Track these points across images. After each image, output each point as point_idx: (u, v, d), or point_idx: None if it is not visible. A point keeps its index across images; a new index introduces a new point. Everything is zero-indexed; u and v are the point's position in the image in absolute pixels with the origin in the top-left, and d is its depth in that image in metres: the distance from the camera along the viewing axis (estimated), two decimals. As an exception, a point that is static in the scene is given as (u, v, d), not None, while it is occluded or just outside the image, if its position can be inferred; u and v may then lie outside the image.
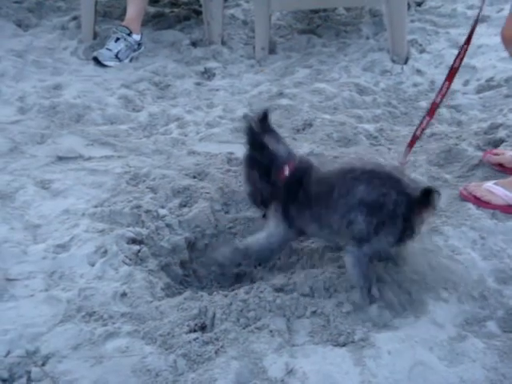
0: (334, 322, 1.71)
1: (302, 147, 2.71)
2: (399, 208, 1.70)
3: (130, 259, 2.03)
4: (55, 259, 2.01)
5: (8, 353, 1.62)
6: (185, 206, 2.31)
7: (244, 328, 1.71)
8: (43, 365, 1.60)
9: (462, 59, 2.18)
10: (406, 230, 1.74)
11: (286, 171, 1.91)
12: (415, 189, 1.72)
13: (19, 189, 2.38)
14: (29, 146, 2.75)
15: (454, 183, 2.46)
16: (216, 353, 1.62)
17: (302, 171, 1.91)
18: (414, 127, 2.94)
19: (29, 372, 1.57)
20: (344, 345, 1.64)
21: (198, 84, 3.63)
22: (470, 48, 3.71)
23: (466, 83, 3.45)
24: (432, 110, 2.21)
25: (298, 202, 1.88)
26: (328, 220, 1.81)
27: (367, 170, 1.78)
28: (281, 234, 1.94)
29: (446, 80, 2.20)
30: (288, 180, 1.90)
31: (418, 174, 2.50)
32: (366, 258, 1.78)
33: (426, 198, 1.69)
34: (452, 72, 2.20)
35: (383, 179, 1.75)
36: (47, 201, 2.34)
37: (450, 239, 2.07)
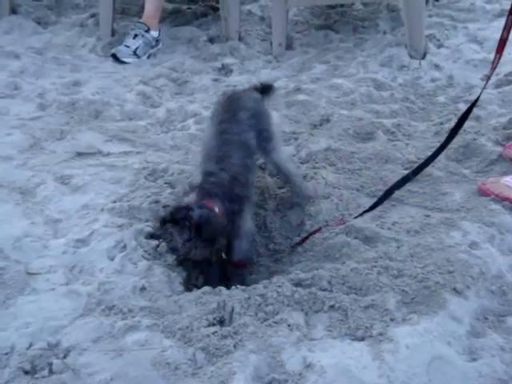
0: (351, 317, 1.71)
1: (319, 142, 2.72)
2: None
3: (149, 254, 2.05)
4: (75, 253, 2.03)
5: (30, 345, 1.64)
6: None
7: (262, 322, 1.71)
8: (64, 357, 1.61)
9: (509, 30, 2.22)
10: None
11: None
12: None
13: (39, 184, 2.41)
14: (48, 142, 2.78)
15: (472, 178, 2.45)
16: (235, 346, 1.62)
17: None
18: (432, 122, 2.96)
19: (50, 364, 1.58)
20: (362, 339, 1.64)
21: (216, 80, 3.65)
22: (489, 42, 3.72)
23: (484, 78, 3.42)
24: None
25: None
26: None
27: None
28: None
29: (496, 53, 2.23)
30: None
31: (436, 169, 2.49)
32: None
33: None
34: (501, 44, 2.23)
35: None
36: (67, 196, 2.37)
37: (468, 234, 2.07)
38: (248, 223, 2.13)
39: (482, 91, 2.37)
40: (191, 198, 2.10)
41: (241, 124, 2.21)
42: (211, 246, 1.95)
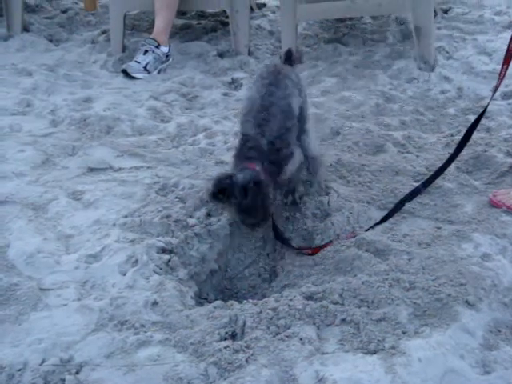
0: (364, 330, 1.70)
1: (329, 155, 2.72)
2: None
3: (161, 268, 2.06)
4: (87, 269, 2.04)
5: (43, 361, 1.65)
6: (213, 215, 2.33)
7: (274, 336, 1.71)
8: (77, 373, 1.62)
9: None
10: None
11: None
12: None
13: (52, 200, 2.43)
14: (61, 158, 2.80)
15: (483, 190, 2.44)
16: (247, 361, 1.63)
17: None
18: (442, 134, 2.96)
19: (63, 380, 1.59)
20: (374, 352, 1.64)
21: (226, 94, 3.67)
22: (498, 54, 3.72)
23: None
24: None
25: None
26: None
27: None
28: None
29: (503, 63, 2.24)
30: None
31: (447, 181, 2.49)
32: None
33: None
34: (508, 55, 2.24)
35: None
36: (79, 211, 2.38)
37: (480, 246, 2.06)
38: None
39: (490, 101, 2.37)
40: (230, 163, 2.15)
41: (287, 89, 2.23)
42: (264, 206, 2.00)
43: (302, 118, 2.32)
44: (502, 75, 2.26)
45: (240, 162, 2.08)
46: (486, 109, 2.44)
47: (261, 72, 2.35)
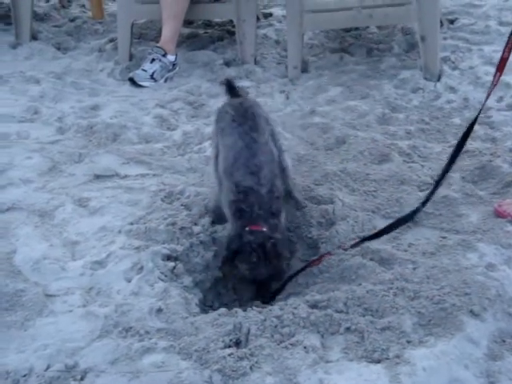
0: (368, 339, 1.70)
1: (334, 164, 2.73)
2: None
3: (166, 275, 2.06)
4: (93, 275, 2.05)
5: (48, 367, 1.66)
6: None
7: (278, 344, 1.71)
8: (82, 379, 1.62)
9: (510, 49, 2.22)
10: None
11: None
12: None
13: (58, 207, 2.44)
14: (67, 165, 2.82)
15: (488, 200, 2.44)
16: (251, 368, 1.63)
17: None
18: (448, 144, 2.96)
19: (68, 386, 1.60)
20: (379, 361, 1.64)
21: (232, 103, 3.67)
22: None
23: (500, 100, 3.43)
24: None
25: None
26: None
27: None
28: None
29: (496, 71, 2.24)
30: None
31: (452, 191, 2.49)
32: None
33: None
34: (502, 63, 2.23)
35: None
36: (85, 218, 2.40)
37: (484, 256, 2.06)
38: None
39: (482, 108, 2.34)
40: (229, 219, 2.11)
41: (265, 132, 2.24)
42: (278, 262, 1.98)
43: (275, 142, 2.32)
44: (495, 82, 2.26)
45: (244, 222, 2.01)
46: (477, 117, 2.39)
47: (230, 113, 2.29)
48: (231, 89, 2.53)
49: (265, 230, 1.98)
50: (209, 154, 2.98)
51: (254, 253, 1.93)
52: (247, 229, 1.98)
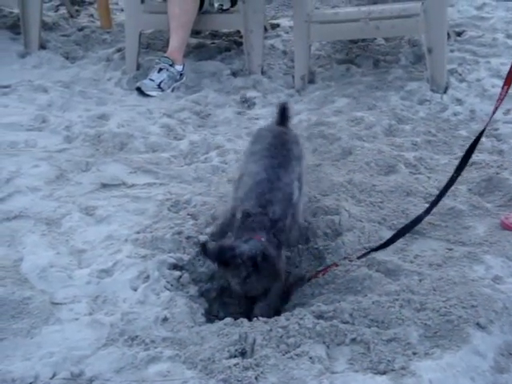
0: (374, 350, 1.70)
1: (341, 175, 2.73)
2: None
3: (172, 285, 2.07)
4: (99, 284, 2.06)
5: (54, 375, 1.66)
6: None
7: (284, 354, 1.71)
8: (87, 387, 1.63)
9: None
10: None
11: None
12: None
13: (65, 215, 2.45)
14: (74, 174, 2.83)
15: (494, 212, 2.44)
16: (256, 378, 1.62)
17: None
18: (454, 156, 2.96)
19: (73, 394, 1.60)
20: (384, 373, 1.63)
21: (239, 113, 3.69)
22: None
23: (507, 112, 3.43)
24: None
25: None
26: None
27: None
28: None
29: (504, 84, 2.24)
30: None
31: (459, 203, 2.49)
32: None
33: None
34: (510, 76, 2.23)
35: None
36: (92, 227, 2.40)
37: (491, 268, 2.06)
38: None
39: (489, 122, 2.33)
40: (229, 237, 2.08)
41: (292, 172, 2.16)
42: (271, 277, 1.92)
43: (300, 186, 2.23)
44: (502, 96, 2.26)
45: (244, 233, 1.97)
46: (484, 129, 2.38)
47: (267, 141, 2.25)
48: (283, 115, 2.44)
49: (264, 240, 1.93)
50: (216, 164, 3.00)
51: (242, 261, 1.87)
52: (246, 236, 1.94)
